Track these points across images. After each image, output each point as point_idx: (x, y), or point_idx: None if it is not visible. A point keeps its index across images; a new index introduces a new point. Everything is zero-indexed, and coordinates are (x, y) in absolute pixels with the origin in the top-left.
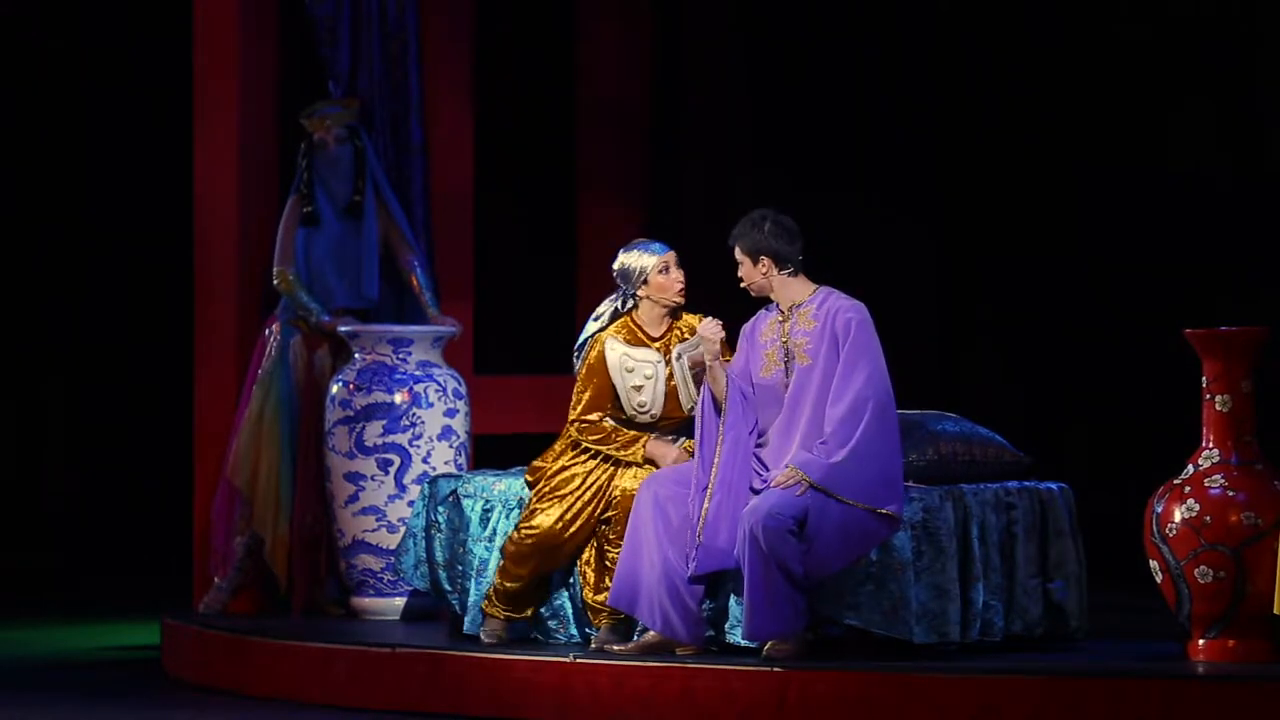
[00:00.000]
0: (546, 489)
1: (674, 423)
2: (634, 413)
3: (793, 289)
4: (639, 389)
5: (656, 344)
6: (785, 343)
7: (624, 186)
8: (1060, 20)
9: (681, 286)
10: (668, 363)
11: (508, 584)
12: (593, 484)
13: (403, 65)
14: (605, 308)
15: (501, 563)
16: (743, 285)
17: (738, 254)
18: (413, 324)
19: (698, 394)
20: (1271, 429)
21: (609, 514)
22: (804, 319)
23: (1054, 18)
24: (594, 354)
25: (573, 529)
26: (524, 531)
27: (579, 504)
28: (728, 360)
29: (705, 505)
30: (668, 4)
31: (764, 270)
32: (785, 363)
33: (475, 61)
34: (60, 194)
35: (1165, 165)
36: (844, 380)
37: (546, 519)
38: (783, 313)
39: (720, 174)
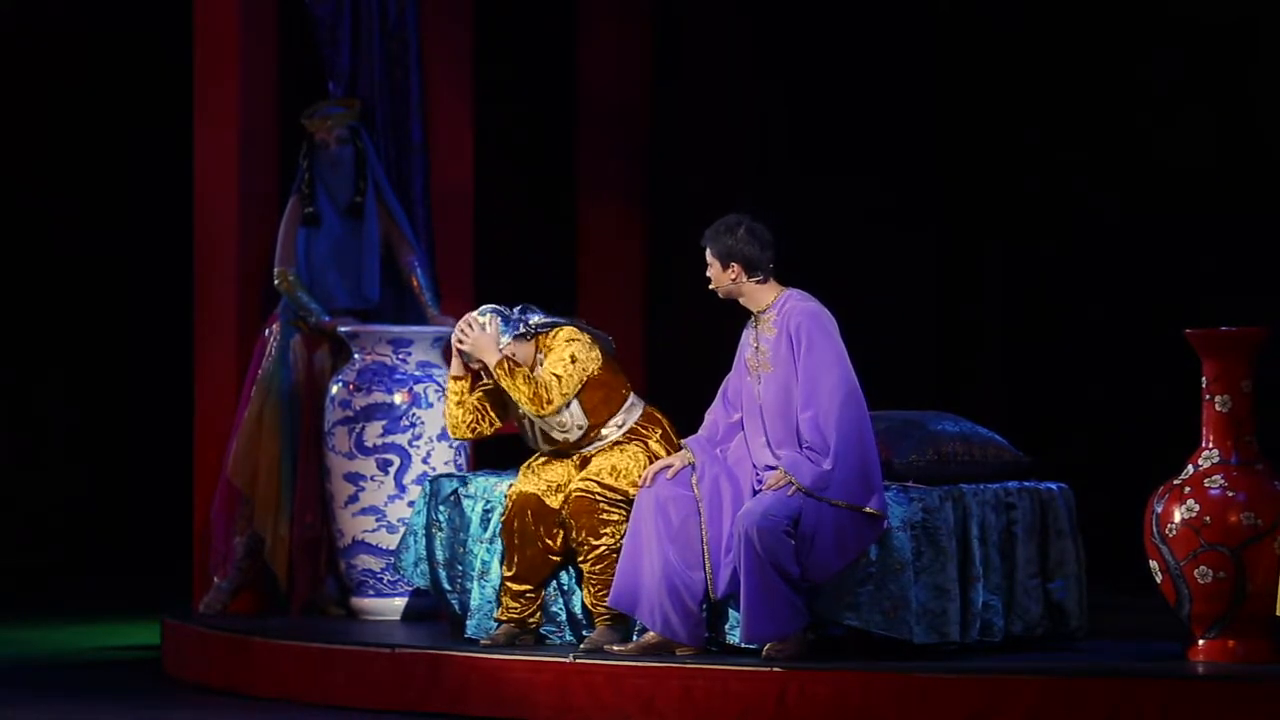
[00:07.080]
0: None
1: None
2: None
3: (760, 295)
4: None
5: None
6: (756, 348)
7: (624, 187)
8: (1061, 19)
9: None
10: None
11: (508, 577)
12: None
13: (403, 65)
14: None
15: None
16: (710, 287)
17: (708, 256)
18: (413, 324)
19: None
20: (1271, 429)
21: (564, 511)
22: (766, 325)
23: (1055, 16)
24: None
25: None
26: (506, 504)
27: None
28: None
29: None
30: (668, 4)
31: (733, 276)
32: (757, 369)
33: (475, 61)
34: (60, 194)
35: (1165, 164)
36: (808, 385)
37: (526, 485)
38: (754, 318)
39: (721, 174)
